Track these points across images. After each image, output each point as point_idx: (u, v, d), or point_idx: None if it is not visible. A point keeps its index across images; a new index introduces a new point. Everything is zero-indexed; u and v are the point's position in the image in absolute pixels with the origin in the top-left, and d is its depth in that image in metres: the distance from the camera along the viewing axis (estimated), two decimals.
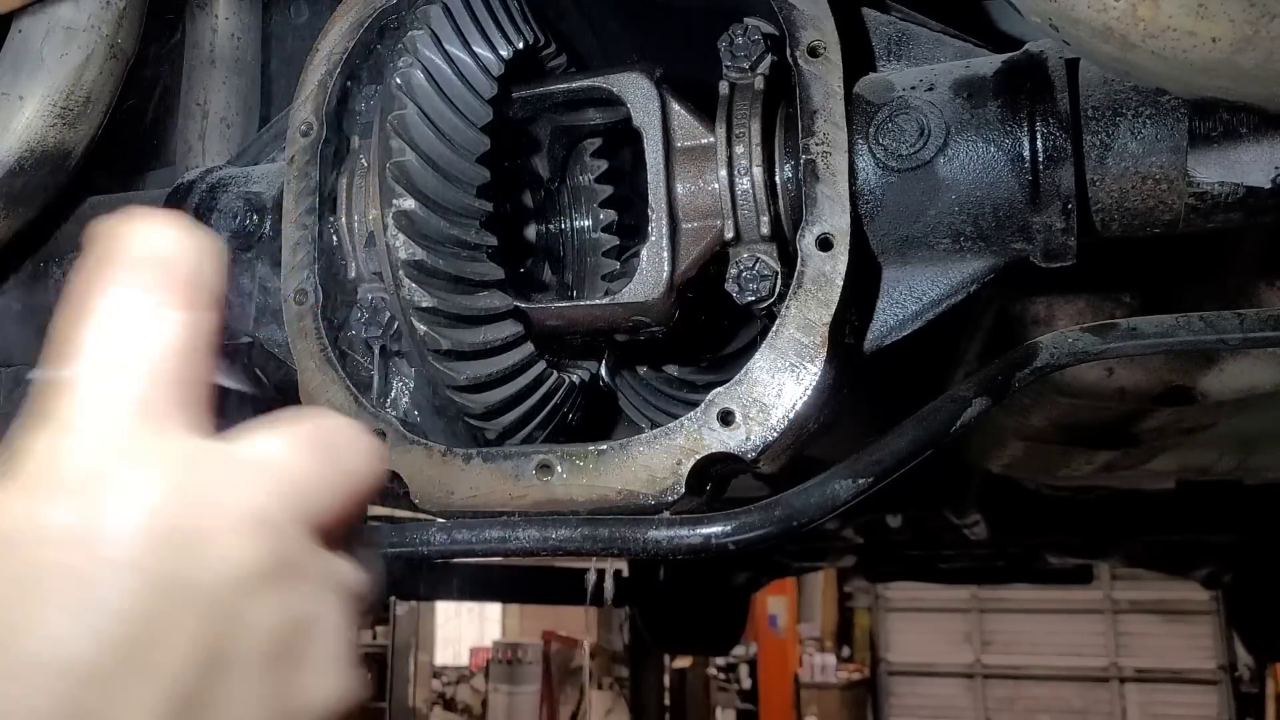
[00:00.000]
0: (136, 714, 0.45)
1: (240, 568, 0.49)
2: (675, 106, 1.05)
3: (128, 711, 0.45)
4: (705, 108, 1.05)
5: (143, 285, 0.53)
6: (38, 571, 0.45)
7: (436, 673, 13.99)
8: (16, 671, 0.44)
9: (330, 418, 0.59)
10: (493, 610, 15.83)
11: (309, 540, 0.53)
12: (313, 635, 0.52)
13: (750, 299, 1.01)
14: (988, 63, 1.03)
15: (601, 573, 5.92)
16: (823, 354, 0.94)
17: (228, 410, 0.55)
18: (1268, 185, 0.96)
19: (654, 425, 1.07)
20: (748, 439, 0.95)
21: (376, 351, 1.11)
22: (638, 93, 1.05)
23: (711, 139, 1.03)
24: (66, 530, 0.46)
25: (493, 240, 1.07)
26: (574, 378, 1.16)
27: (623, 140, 1.23)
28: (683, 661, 11.71)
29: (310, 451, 0.55)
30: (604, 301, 1.05)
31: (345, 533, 0.57)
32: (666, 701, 10.58)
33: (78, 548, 0.46)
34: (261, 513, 0.51)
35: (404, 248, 1.02)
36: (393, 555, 1.01)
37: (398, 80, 1.04)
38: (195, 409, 0.53)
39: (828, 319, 0.94)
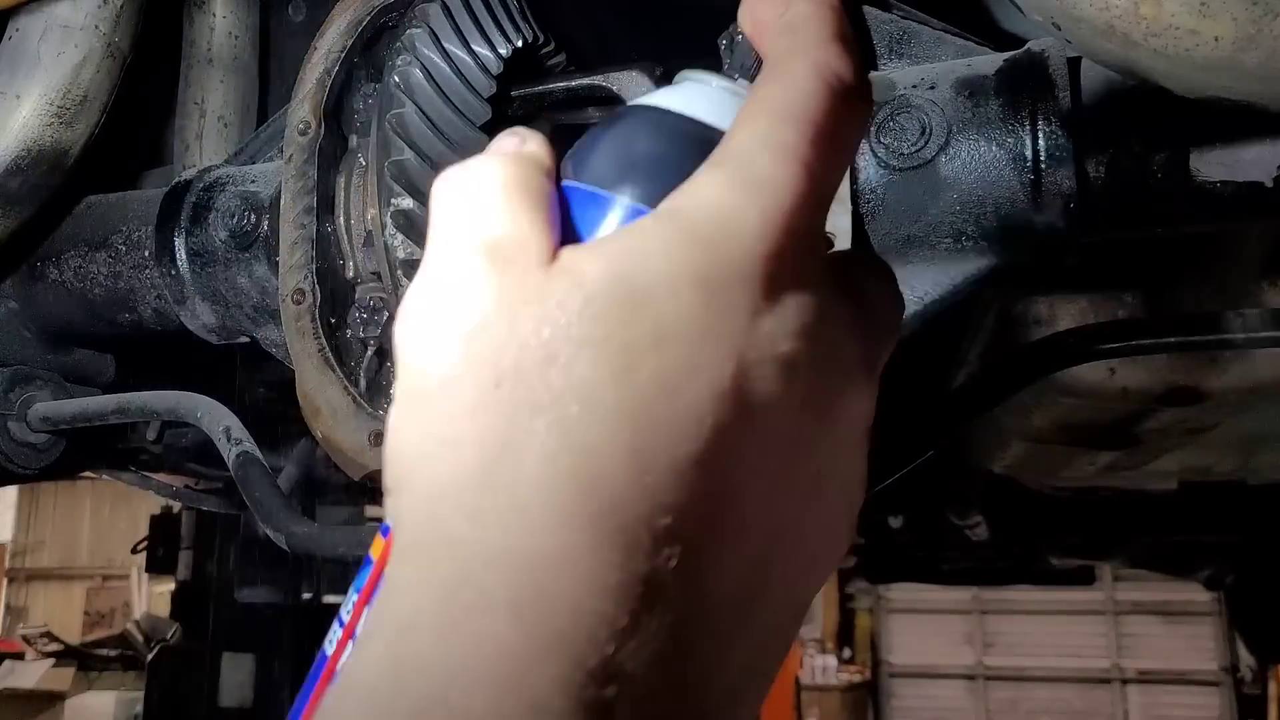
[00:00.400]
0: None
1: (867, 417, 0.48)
2: None
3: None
4: None
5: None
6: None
7: None
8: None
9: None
10: None
11: None
12: None
13: None
14: (989, 61, 1.02)
15: None
16: None
17: None
18: (1269, 185, 0.96)
19: None
20: None
21: (374, 352, 1.11)
22: (638, 91, 1.04)
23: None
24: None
25: None
26: None
27: None
28: None
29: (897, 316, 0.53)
30: None
31: None
32: None
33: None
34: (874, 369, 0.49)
35: (402, 247, 1.01)
36: None
37: (396, 79, 1.04)
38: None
39: None
